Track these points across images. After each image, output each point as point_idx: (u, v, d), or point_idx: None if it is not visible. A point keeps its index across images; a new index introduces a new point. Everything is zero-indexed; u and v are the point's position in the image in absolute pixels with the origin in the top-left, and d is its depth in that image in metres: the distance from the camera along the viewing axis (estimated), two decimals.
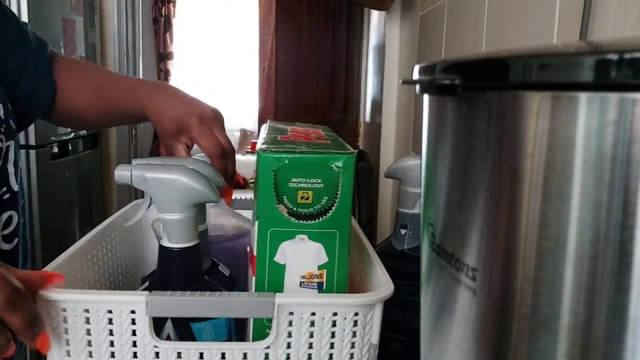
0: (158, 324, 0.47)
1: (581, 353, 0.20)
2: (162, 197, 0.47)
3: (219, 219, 0.65)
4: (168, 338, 0.49)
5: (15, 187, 0.62)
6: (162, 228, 0.49)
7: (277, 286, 0.45)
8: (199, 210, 0.52)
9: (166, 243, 0.49)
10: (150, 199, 0.49)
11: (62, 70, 0.73)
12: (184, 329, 0.48)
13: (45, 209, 1.90)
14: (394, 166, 0.68)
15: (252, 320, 0.46)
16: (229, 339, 0.49)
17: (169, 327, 0.48)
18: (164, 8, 3.61)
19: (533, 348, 0.22)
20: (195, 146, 0.65)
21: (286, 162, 0.43)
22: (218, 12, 3.83)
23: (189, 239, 0.49)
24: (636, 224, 0.18)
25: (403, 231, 0.66)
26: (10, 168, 0.62)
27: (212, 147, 0.63)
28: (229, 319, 0.50)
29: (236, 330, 0.51)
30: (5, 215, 0.60)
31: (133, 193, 2.66)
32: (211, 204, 0.59)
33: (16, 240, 0.62)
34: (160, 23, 3.63)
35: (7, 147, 0.60)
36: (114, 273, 0.61)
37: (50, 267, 0.46)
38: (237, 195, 0.79)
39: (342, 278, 0.46)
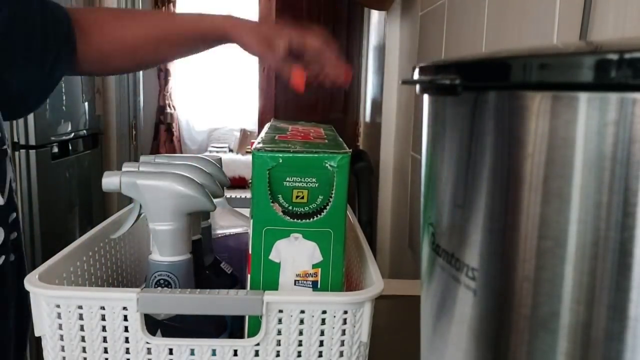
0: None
1: (581, 353, 0.20)
2: (153, 206, 0.45)
3: (225, 217, 0.66)
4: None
5: (0, 201, 0.57)
6: (152, 240, 0.47)
7: (272, 284, 0.46)
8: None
9: (156, 257, 0.46)
10: (140, 207, 0.46)
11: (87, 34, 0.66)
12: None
13: (45, 209, 1.89)
14: None
15: (247, 316, 0.46)
16: (232, 332, 0.50)
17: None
18: (164, 8, 3.61)
19: (533, 348, 0.22)
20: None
21: (280, 161, 0.43)
22: (218, 12, 3.83)
23: (181, 251, 0.47)
24: (636, 224, 0.18)
25: None
26: None
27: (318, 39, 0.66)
28: None
29: (238, 324, 0.52)
30: None
31: None
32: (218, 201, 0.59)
33: (3, 257, 0.57)
34: None
35: None
36: (118, 270, 0.62)
37: (48, 264, 0.46)
38: (237, 194, 0.79)
39: (338, 277, 0.46)
